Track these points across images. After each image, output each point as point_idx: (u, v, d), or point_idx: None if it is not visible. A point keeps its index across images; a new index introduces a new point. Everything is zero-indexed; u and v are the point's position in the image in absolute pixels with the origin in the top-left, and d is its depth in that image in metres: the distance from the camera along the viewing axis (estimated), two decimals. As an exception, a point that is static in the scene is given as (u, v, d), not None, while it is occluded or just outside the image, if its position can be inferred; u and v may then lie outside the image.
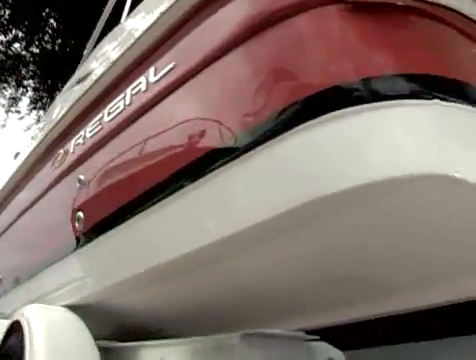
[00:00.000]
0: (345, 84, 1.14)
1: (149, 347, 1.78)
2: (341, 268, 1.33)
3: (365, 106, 1.11)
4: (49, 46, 11.61)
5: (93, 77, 2.18)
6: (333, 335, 1.36)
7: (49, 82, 11.67)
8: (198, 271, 1.52)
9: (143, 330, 2.00)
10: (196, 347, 1.56)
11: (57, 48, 11.42)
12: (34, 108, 12.48)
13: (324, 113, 1.12)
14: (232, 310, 1.67)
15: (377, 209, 1.14)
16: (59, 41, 11.49)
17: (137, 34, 1.81)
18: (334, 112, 1.12)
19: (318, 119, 1.13)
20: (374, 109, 1.11)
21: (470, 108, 1.17)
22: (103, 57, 2.33)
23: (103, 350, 1.93)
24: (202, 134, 1.41)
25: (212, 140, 1.38)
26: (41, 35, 11.44)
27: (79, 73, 2.89)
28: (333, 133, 1.12)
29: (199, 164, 1.39)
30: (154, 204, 1.55)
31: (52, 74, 11.32)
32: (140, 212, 1.62)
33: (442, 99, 1.13)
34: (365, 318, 1.53)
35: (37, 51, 11.73)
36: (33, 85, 12.46)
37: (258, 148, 1.22)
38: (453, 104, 1.14)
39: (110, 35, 2.62)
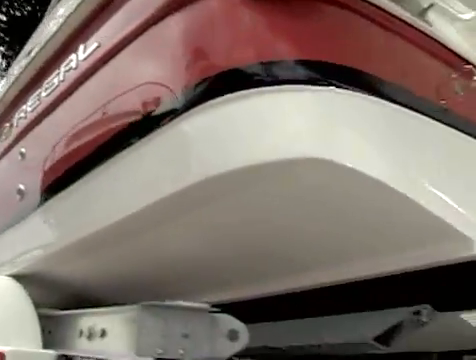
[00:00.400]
0: (245, 67, 1.20)
1: (83, 315, 1.84)
2: (246, 244, 1.41)
3: (262, 89, 1.16)
4: (18, 13, 11.41)
5: (35, 51, 2.20)
6: (239, 309, 1.45)
7: (18, 49, 11.46)
8: (124, 242, 1.60)
9: (83, 299, 2.08)
10: (131, 315, 1.62)
11: (26, 14, 11.23)
12: (3, 76, 12.28)
13: (224, 94, 1.18)
14: (160, 281, 1.76)
15: (271, 189, 1.20)
16: (28, 8, 11.30)
17: (71, 9, 1.84)
18: (233, 94, 1.17)
19: (217, 99, 1.18)
20: (270, 93, 1.16)
21: (366, 96, 1.22)
22: (47, 29, 2.35)
23: (43, 318, 1.99)
24: (117, 114, 1.48)
25: (123, 120, 1.44)
26: (9, 2, 11.24)
27: (30, 44, 2.89)
28: (230, 114, 1.18)
29: (113, 141, 1.46)
30: (83, 176, 1.63)
31: (21, 41, 11.11)
32: (72, 183, 1.70)
33: (338, 87, 1.19)
34: (270, 294, 1.62)
35: (5, 18, 11.53)
36: (2, 52, 12.26)
37: (166, 126, 1.28)
38: (349, 92, 1.19)
39: (59, 4, 2.62)
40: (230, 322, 1.36)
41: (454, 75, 1.44)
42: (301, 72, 1.19)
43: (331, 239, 1.36)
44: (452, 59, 1.49)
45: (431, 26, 1.46)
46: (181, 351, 1.33)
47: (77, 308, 2.00)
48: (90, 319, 1.80)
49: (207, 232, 1.41)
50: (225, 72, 1.21)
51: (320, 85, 1.17)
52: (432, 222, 1.23)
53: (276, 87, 1.17)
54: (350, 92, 1.20)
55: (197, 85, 1.24)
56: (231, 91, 1.18)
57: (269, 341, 1.85)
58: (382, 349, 1.45)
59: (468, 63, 1.49)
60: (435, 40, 1.47)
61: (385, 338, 1.45)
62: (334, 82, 1.18)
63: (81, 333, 1.81)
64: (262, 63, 1.19)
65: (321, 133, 1.15)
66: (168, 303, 1.34)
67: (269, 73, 1.18)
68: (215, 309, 1.37)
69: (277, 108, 1.16)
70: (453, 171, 1.34)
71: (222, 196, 1.23)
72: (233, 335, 1.35)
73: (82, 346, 1.79)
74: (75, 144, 1.76)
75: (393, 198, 1.19)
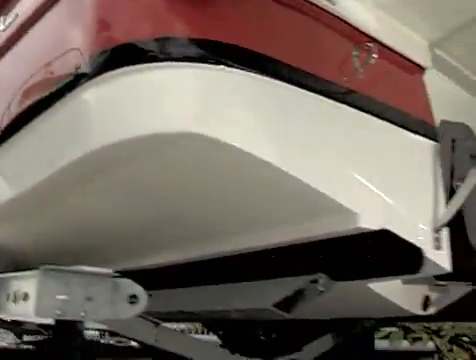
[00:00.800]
0: (140, 42, 1.25)
1: (12, 279, 1.89)
2: (152, 211, 1.48)
3: (154, 65, 1.21)
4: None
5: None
6: (152, 276, 1.51)
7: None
8: (43, 208, 1.65)
9: (19, 263, 2.13)
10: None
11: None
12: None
13: (122, 66, 1.23)
14: (85, 247, 1.82)
15: (161, 159, 1.26)
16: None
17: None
18: (129, 67, 1.22)
19: (116, 71, 1.23)
20: (162, 68, 1.21)
21: (257, 76, 1.26)
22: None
23: (-23, 282, 2.04)
24: (35, 82, 1.51)
25: (37, 89, 1.48)
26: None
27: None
28: (125, 86, 1.23)
29: (33, 107, 1.51)
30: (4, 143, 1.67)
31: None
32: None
33: (230, 66, 1.22)
34: (176, 262, 1.69)
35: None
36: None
37: (71, 94, 1.33)
38: (240, 71, 1.23)
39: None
40: (131, 287, 1.43)
41: (355, 53, 1.46)
42: (192, 50, 1.23)
43: (228, 211, 1.42)
44: (353, 36, 1.51)
45: (334, 4, 1.48)
46: (82, 313, 1.39)
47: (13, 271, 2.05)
48: (16, 283, 1.86)
49: (113, 198, 1.47)
50: (123, 45, 1.26)
51: (210, 63, 1.21)
52: (319, 198, 1.29)
53: (168, 63, 1.21)
54: (241, 72, 1.23)
55: (100, 55, 1.28)
56: (128, 64, 1.23)
57: (184, 306, 1.93)
58: (283, 315, 1.52)
59: (371, 40, 1.51)
60: (335, 17, 1.48)
61: (285, 305, 1.52)
62: (225, 61, 1.22)
63: (8, 297, 1.87)
64: (156, 39, 1.24)
65: (206, 110, 1.20)
66: (70, 268, 1.40)
67: (162, 49, 1.23)
68: (116, 274, 1.43)
69: (167, 84, 1.21)
70: (342, 149, 1.39)
71: (119, 164, 1.29)
72: (133, 299, 1.42)
73: (10, 309, 1.84)
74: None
75: (281, 176, 1.24)
